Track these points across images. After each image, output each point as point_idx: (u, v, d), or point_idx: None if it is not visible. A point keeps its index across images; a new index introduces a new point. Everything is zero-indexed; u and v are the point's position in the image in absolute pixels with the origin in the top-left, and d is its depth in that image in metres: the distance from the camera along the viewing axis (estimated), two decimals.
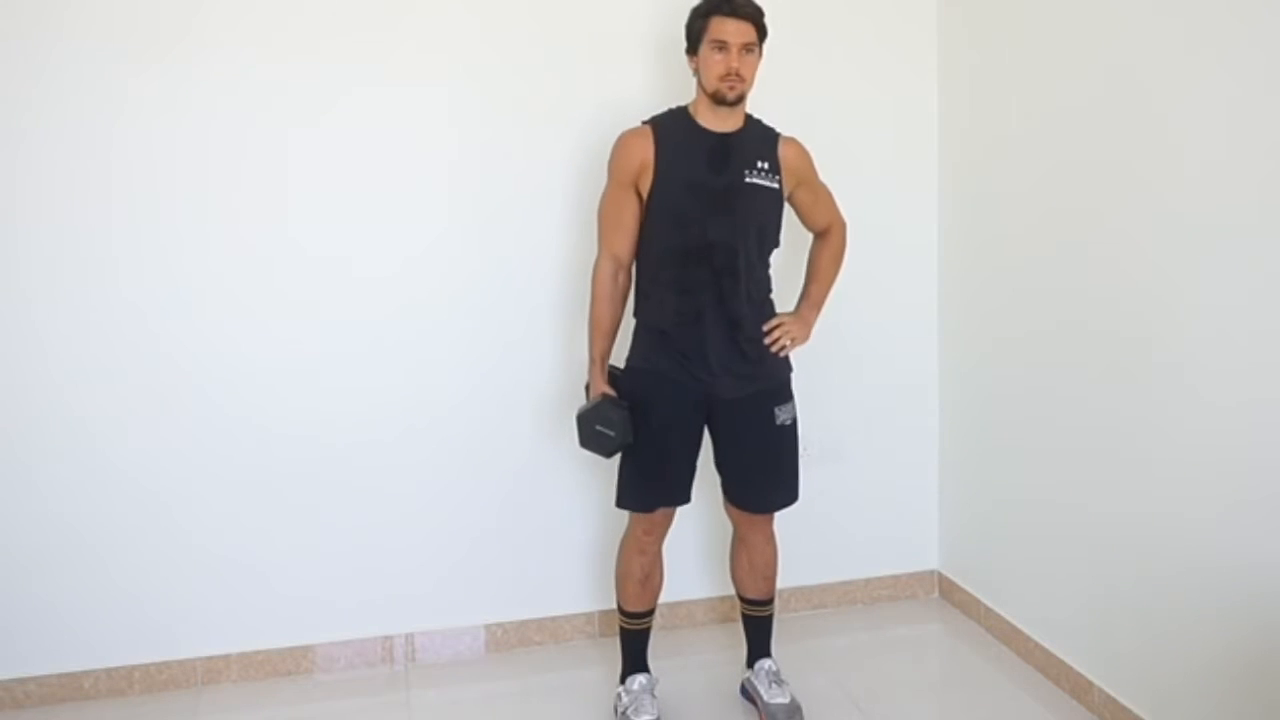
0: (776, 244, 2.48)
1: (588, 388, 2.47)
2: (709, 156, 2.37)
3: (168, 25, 2.61)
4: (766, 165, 2.40)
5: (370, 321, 2.82)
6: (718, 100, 2.34)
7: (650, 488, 2.47)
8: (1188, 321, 2.20)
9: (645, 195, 2.39)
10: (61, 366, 2.64)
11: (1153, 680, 2.38)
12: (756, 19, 2.33)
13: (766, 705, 2.56)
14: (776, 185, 2.41)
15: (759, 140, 2.43)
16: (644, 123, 2.43)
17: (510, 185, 2.85)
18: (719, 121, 2.38)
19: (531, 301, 2.89)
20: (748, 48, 2.32)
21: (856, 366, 3.13)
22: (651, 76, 2.84)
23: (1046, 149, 2.64)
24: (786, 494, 2.55)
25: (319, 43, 2.70)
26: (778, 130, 2.47)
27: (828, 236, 2.60)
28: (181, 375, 2.71)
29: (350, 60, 2.72)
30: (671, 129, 2.40)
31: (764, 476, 2.51)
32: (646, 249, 2.43)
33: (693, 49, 2.38)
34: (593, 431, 2.39)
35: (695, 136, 2.38)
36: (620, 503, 2.50)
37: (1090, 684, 2.57)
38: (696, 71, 2.39)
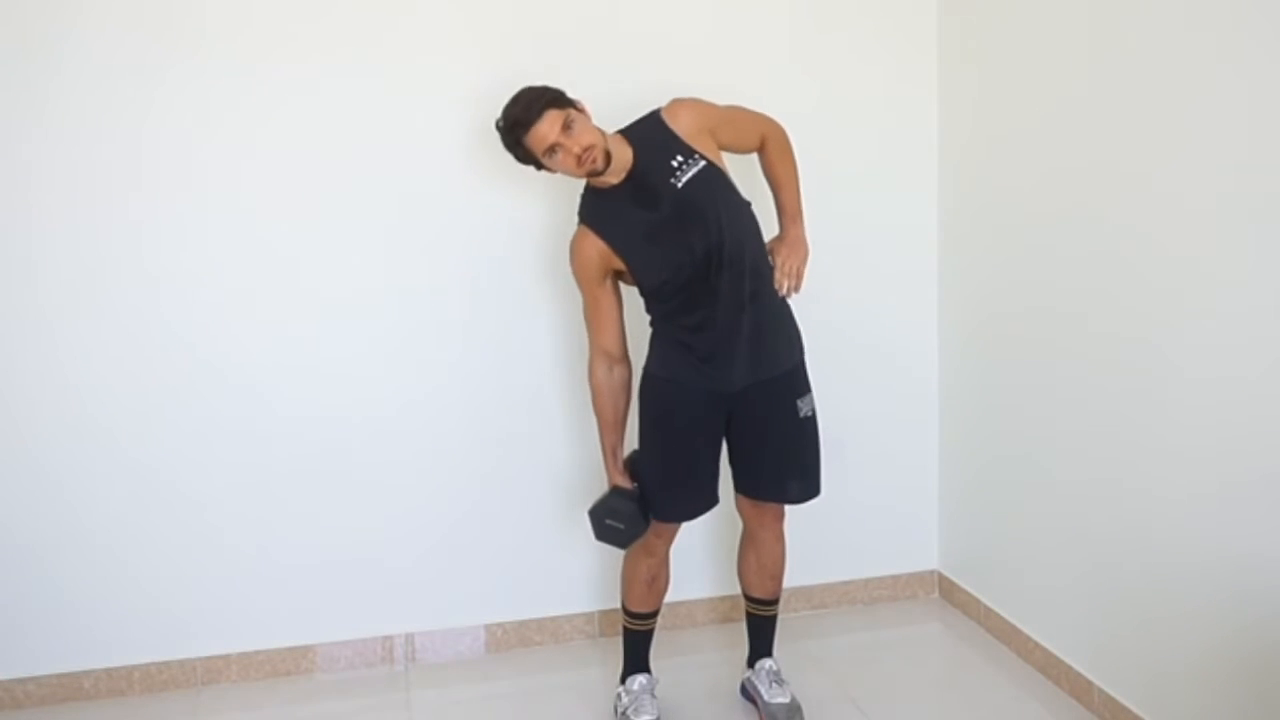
0: (746, 201, 2.41)
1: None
2: (639, 203, 2.31)
3: (180, 28, 2.61)
4: (680, 156, 2.31)
5: (372, 323, 2.82)
6: (595, 175, 2.27)
7: (688, 499, 2.47)
8: (1188, 322, 2.20)
9: (626, 270, 2.36)
10: (67, 368, 2.65)
11: (1153, 680, 2.38)
12: (551, 102, 2.22)
13: (767, 705, 2.56)
14: (704, 161, 2.32)
15: (655, 143, 2.32)
16: (579, 223, 2.38)
17: (512, 183, 2.84)
18: (617, 174, 2.29)
19: (531, 298, 2.89)
20: (567, 125, 2.20)
21: (856, 367, 3.12)
22: (656, 78, 2.84)
23: (1046, 145, 2.64)
24: (806, 486, 2.51)
25: (329, 49, 2.70)
26: (655, 111, 2.36)
27: (767, 145, 2.49)
28: (182, 378, 2.71)
29: (356, 68, 2.72)
30: (597, 210, 2.35)
31: (781, 465, 2.48)
32: (650, 297, 2.40)
33: (538, 165, 2.29)
34: (604, 525, 2.44)
35: (615, 199, 2.32)
36: (660, 517, 2.47)
37: (1090, 684, 2.57)
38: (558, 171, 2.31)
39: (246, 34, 2.65)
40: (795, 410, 2.44)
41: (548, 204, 2.82)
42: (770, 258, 2.43)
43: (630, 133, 2.35)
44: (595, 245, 2.34)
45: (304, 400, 2.79)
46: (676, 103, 2.37)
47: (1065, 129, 2.55)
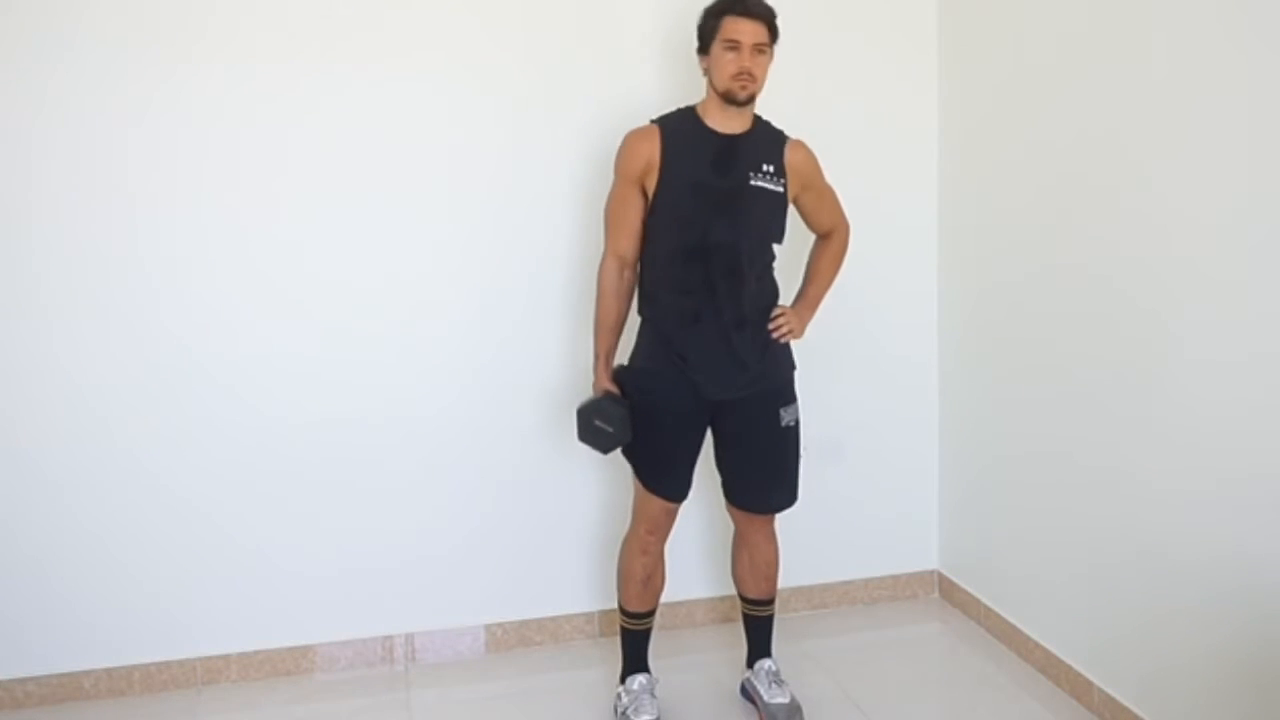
0: (780, 240, 2.47)
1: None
2: (715, 158, 2.37)
3: (180, 28, 2.61)
4: (772, 169, 2.39)
5: (371, 322, 2.82)
6: (729, 100, 2.33)
7: (658, 482, 2.48)
8: (1190, 324, 2.20)
9: (650, 194, 2.39)
10: (68, 367, 2.64)
11: (1153, 680, 2.38)
12: (769, 19, 2.33)
13: (766, 705, 2.56)
14: (781, 189, 2.41)
15: (766, 143, 2.42)
16: (651, 121, 2.43)
17: (514, 181, 2.85)
18: (727, 123, 2.38)
19: (533, 299, 2.89)
20: (759, 48, 2.31)
21: (856, 367, 3.13)
22: (658, 75, 2.84)
23: (1046, 143, 2.64)
24: (787, 495, 2.55)
25: (327, 44, 2.70)
26: (786, 133, 2.46)
27: (830, 239, 2.59)
28: (182, 378, 2.71)
29: (351, 60, 2.72)
30: (678, 129, 2.40)
31: (767, 477, 2.51)
32: (651, 248, 2.43)
33: (704, 49, 2.37)
34: (591, 426, 2.41)
35: (702, 137, 2.38)
36: (638, 475, 2.48)
37: (1090, 684, 2.58)
38: (707, 71, 2.38)
39: (247, 29, 2.65)
40: (778, 419, 2.47)
41: (571, 209, 2.84)
42: (778, 310, 2.48)
43: (759, 119, 2.43)
44: (652, 148, 2.38)
45: (304, 402, 2.79)
46: (801, 143, 2.48)
47: (1066, 127, 2.55)
